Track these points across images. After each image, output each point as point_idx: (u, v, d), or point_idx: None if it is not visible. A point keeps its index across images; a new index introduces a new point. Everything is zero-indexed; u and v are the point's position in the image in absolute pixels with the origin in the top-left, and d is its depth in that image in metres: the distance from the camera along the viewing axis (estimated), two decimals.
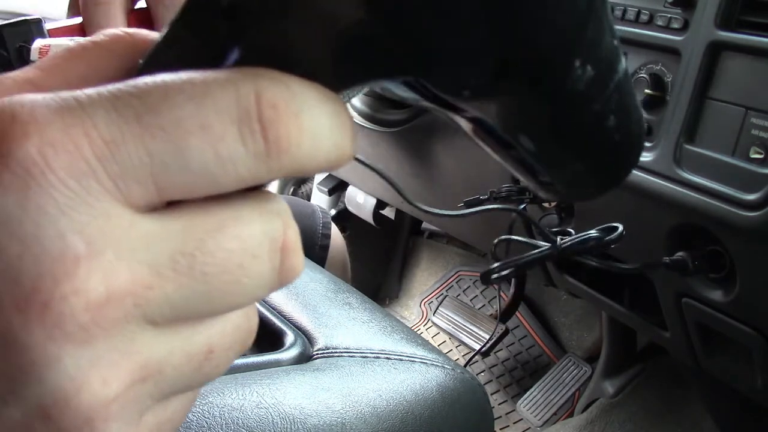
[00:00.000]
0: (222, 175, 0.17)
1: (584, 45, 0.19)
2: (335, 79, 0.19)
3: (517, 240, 0.69)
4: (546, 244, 0.61)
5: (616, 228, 0.59)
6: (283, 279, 0.19)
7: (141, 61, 0.20)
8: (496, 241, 0.80)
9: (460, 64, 0.19)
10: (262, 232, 0.18)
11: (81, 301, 0.16)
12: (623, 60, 0.21)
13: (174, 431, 0.20)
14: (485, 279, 0.61)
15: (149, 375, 0.18)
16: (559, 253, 0.60)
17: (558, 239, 0.60)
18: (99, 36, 0.22)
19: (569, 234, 0.61)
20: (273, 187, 1.83)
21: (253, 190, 0.19)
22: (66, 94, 0.17)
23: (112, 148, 0.16)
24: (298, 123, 0.18)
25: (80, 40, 0.22)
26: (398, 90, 0.21)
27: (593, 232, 0.60)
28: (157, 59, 0.19)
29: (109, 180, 0.16)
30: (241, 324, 0.20)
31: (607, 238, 0.59)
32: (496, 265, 0.61)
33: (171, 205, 0.18)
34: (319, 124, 0.18)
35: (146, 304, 0.17)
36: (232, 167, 0.17)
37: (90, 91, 0.17)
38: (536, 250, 0.61)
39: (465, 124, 0.23)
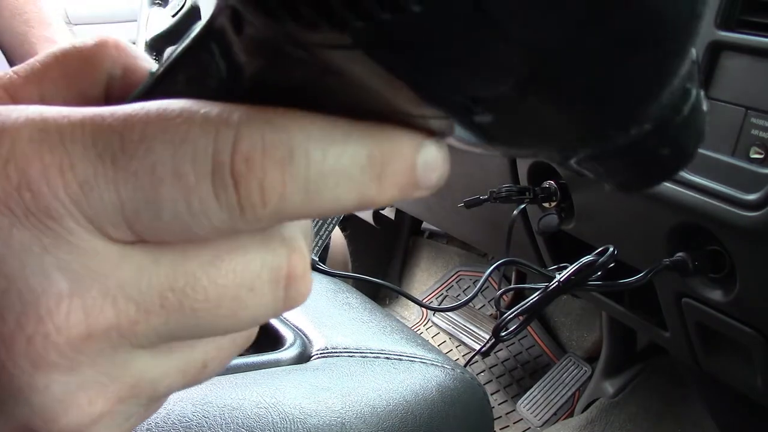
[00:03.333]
0: (196, 226, 0.16)
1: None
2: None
3: (522, 288, 0.70)
4: (543, 284, 0.63)
5: (607, 249, 0.61)
6: (286, 307, 0.18)
7: (139, 88, 0.19)
8: (499, 293, 0.81)
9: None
10: (262, 264, 0.17)
11: (62, 337, 0.16)
12: (692, 95, 0.19)
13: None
14: (497, 335, 0.64)
15: (140, 391, 0.18)
16: (561, 287, 0.62)
17: (556, 275, 0.62)
18: (86, 42, 0.21)
19: (564, 267, 0.63)
20: None
21: None
22: (50, 125, 0.16)
23: (85, 191, 0.16)
24: (282, 173, 0.16)
25: (66, 44, 0.22)
26: None
27: (587, 259, 0.62)
28: (155, 88, 0.18)
29: (87, 221, 0.16)
30: (238, 336, 0.20)
31: (600, 261, 0.61)
32: (506, 314, 0.63)
33: None
34: (321, 168, 0.16)
35: (132, 336, 0.17)
36: (206, 220, 0.16)
37: (75, 118, 0.16)
38: (539, 292, 0.63)
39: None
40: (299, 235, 0.18)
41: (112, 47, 0.22)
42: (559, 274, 0.63)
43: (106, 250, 0.16)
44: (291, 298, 0.18)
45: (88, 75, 0.21)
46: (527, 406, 1.41)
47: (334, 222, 0.89)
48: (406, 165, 0.17)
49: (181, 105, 0.16)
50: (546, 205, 0.80)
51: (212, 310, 0.17)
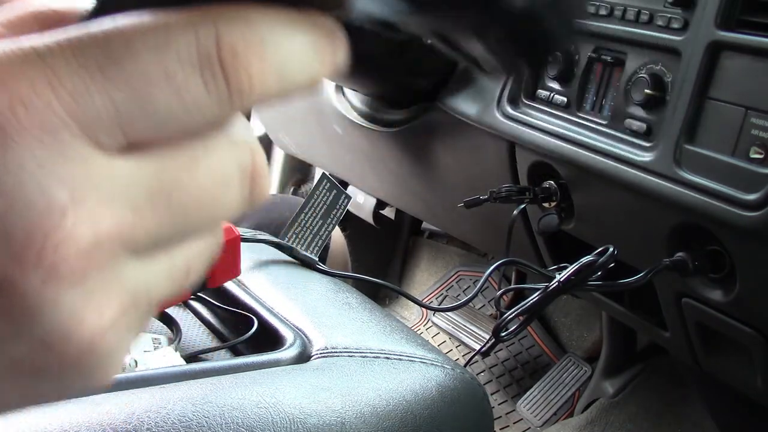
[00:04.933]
0: (189, 120, 0.18)
1: None
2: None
3: (522, 288, 0.70)
4: (543, 285, 0.63)
5: (607, 249, 0.61)
6: (252, 203, 0.20)
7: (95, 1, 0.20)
8: (499, 293, 0.81)
9: None
10: (233, 163, 0.19)
11: (72, 248, 0.17)
12: None
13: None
14: (497, 335, 0.64)
15: (138, 301, 0.19)
16: (561, 287, 0.62)
17: (556, 275, 0.62)
18: (62, 4, 0.22)
19: (564, 267, 0.63)
20: (272, 187, 1.83)
21: None
22: (24, 44, 0.17)
23: (78, 100, 0.17)
24: (261, 60, 0.18)
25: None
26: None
27: (587, 259, 0.62)
28: (107, 5, 0.19)
29: (81, 131, 0.17)
30: (212, 241, 0.21)
31: (600, 261, 0.61)
32: (506, 314, 0.63)
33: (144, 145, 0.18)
34: (286, 54, 0.18)
35: (131, 242, 0.18)
36: (198, 112, 0.18)
37: (47, 39, 0.17)
38: (539, 292, 0.63)
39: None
40: (254, 137, 0.21)
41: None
42: (559, 274, 0.63)
43: (100, 160, 0.17)
44: (256, 194, 0.20)
45: None
46: (527, 406, 1.41)
47: (333, 222, 0.89)
48: (335, 45, 0.20)
49: (150, 15, 0.18)
50: (546, 205, 0.80)
51: (195, 207, 0.19)
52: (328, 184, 0.89)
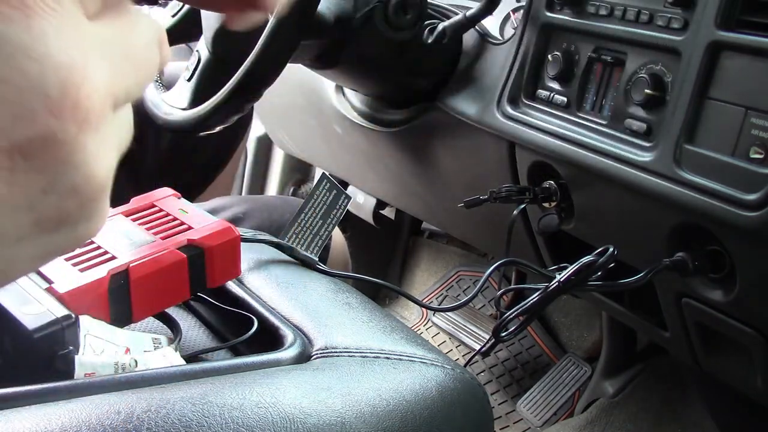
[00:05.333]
0: None
1: None
2: None
3: (522, 288, 0.69)
4: (543, 285, 0.63)
5: (607, 249, 0.61)
6: (162, 62, 0.25)
7: None
8: (499, 293, 0.81)
9: None
10: (152, 28, 0.24)
11: (96, 97, 0.20)
12: None
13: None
14: (497, 335, 0.64)
15: (120, 143, 0.23)
16: (561, 287, 0.62)
17: (556, 275, 0.62)
18: None
19: (564, 267, 0.63)
20: (272, 187, 1.83)
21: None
22: None
23: None
24: None
25: None
26: None
27: (587, 259, 0.62)
28: None
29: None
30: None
31: (600, 261, 0.61)
32: (506, 314, 0.63)
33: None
34: None
35: (116, 92, 0.22)
36: None
37: None
38: (539, 292, 0.63)
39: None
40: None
41: None
42: (559, 274, 0.63)
43: (89, 26, 0.21)
44: (164, 56, 0.25)
45: None
46: (527, 406, 1.41)
47: (333, 222, 0.89)
48: None
49: None
50: (546, 205, 0.80)
51: (142, 63, 0.23)
52: (328, 184, 0.89)
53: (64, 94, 0.20)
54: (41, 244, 0.21)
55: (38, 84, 0.19)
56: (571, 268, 0.62)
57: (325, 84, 1.11)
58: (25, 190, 0.20)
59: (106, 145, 0.22)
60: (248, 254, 0.80)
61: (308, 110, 1.21)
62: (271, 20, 0.73)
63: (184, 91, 0.89)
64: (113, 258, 0.60)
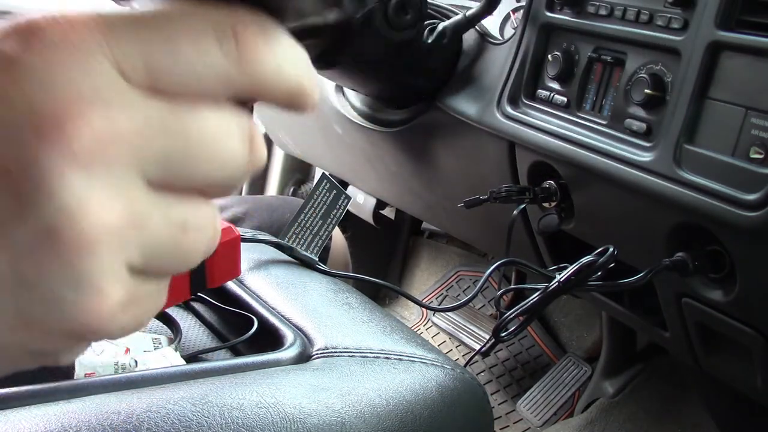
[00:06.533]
0: (203, 73, 0.22)
1: None
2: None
3: (522, 288, 0.69)
4: (543, 285, 0.63)
5: (607, 249, 0.61)
6: (253, 162, 0.23)
7: None
8: (499, 293, 0.81)
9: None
10: (232, 123, 0.23)
11: (90, 131, 0.20)
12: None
13: (145, 318, 0.23)
14: (497, 335, 0.64)
15: (137, 224, 0.21)
16: (561, 288, 0.62)
17: (556, 275, 0.62)
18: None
19: (564, 267, 0.63)
20: (272, 187, 1.83)
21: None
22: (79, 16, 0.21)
23: (113, 34, 0.21)
24: (264, 41, 0.22)
25: None
26: None
27: (587, 259, 0.62)
28: None
29: (111, 55, 0.20)
30: (210, 217, 0.24)
31: (600, 261, 0.61)
32: (506, 314, 0.63)
33: None
34: (282, 50, 0.23)
35: (140, 154, 0.21)
36: (210, 65, 0.22)
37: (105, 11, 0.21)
38: (539, 292, 0.63)
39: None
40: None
41: None
42: (559, 274, 0.63)
43: (123, 84, 0.21)
44: (255, 154, 0.23)
45: None
46: (527, 406, 1.41)
47: (333, 222, 0.89)
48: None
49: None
50: (546, 205, 0.80)
51: (198, 149, 0.22)
52: (328, 184, 0.89)
53: (54, 117, 0.20)
54: (21, 301, 0.21)
55: (31, 100, 0.20)
56: (571, 268, 0.62)
57: (325, 84, 1.11)
58: None
59: (106, 201, 0.20)
60: (248, 254, 0.80)
61: None
62: None
63: None
64: None
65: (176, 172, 0.22)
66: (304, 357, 0.64)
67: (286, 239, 0.86)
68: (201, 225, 0.23)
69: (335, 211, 0.89)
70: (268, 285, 0.76)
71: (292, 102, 0.24)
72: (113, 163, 0.20)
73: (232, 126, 0.23)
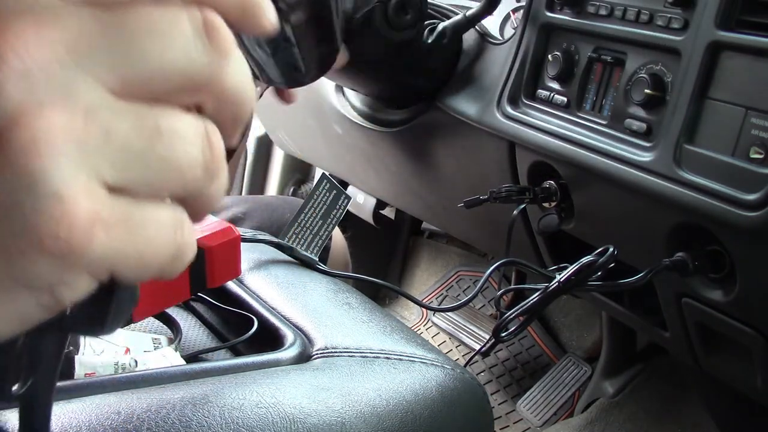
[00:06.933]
0: (182, 65, 0.21)
1: None
2: None
3: (522, 288, 0.69)
4: (543, 285, 0.63)
5: (607, 249, 0.61)
6: (210, 166, 0.23)
7: None
8: (499, 293, 0.81)
9: None
10: (197, 131, 0.23)
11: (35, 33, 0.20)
12: None
13: (139, 247, 0.22)
14: (497, 335, 0.64)
15: (101, 129, 0.20)
16: (561, 288, 0.62)
17: (556, 275, 0.62)
18: None
19: (564, 267, 0.63)
20: (272, 187, 1.83)
21: None
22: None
23: (81, 47, 0.20)
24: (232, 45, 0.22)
25: None
26: None
27: (587, 259, 0.62)
28: None
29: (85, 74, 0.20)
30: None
31: (600, 261, 0.61)
32: (506, 314, 0.63)
33: None
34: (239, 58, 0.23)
35: (94, 59, 0.20)
36: (183, 55, 0.21)
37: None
38: (539, 292, 0.63)
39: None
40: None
41: None
42: (559, 274, 0.63)
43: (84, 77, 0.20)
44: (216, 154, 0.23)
45: None
46: (527, 406, 1.41)
47: (333, 222, 0.89)
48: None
49: None
50: (546, 205, 0.80)
51: (164, 155, 0.21)
52: (328, 185, 0.89)
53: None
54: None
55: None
56: (571, 268, 0.62)
57: (325, 84, 1.11)
58: None
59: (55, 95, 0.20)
60: (248, 254, 0.80)
61: (308, 110, 1.21)
62: None
63: None
64: None
65: (130, 66, 0.21)
66: (304, 357, 0.64)
67: (286, 239, 0.86)
68: (177, 128, 0.22)
69: (335, 211, 0.89)
70: (268, 285, 0.76)
71: (245, 17, 0.23)
72: (63, 64, 0.20)
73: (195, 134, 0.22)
